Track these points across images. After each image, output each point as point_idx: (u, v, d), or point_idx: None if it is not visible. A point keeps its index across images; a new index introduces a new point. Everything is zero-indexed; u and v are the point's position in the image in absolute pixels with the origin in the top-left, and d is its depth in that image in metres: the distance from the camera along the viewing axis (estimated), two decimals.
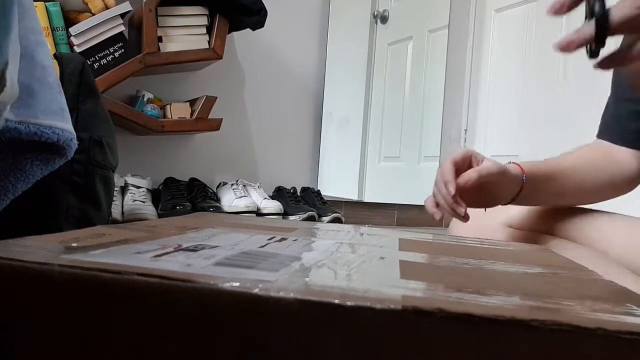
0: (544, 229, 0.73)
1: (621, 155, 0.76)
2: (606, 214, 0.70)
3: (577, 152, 0.79)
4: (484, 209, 0.74)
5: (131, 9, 1.67)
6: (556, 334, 0.23)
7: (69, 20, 1.58)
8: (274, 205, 1.86)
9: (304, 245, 0.42)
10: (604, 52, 0.49)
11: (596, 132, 0.80)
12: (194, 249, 0.34)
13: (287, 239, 0.44)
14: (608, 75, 0.74)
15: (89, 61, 1.58)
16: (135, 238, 0.38)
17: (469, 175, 0.67)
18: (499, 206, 0.74)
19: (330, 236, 0.50)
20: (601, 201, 0.76)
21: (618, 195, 0.76)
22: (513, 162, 0.74)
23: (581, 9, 0.49)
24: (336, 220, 1.99)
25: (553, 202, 0.76)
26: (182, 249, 0.34)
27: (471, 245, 0.57)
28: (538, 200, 0.74)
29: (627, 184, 0.77)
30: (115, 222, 1.51)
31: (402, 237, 0.58)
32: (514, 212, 0.80)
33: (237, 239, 0.42)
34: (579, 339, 0.23)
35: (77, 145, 0.65)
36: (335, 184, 2.45)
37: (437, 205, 0.70)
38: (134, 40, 1.78)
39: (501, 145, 2.43)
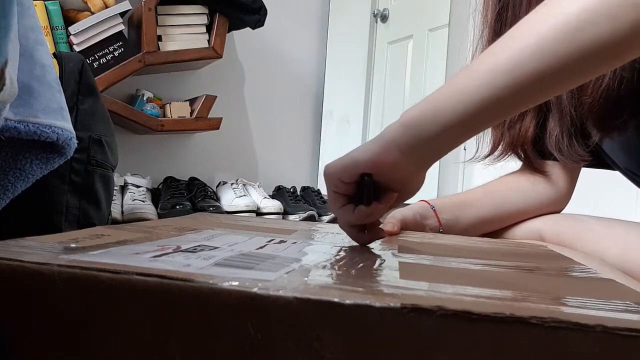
0: (538, 237, 0.73)
1: (551, 172, 0.76)
2: (601, 219, 0.70)
3: (497, 179, 0.80)
4: None
5: (131, 7, 1.67)
6: (555, 331, 0.23)
7: (69, 19, 1.58)
8: (274, 205, 1.86)
9: (303, 247, 0.42)
10: None
11: None
12: (193, 250, 0.34)
13: (286, 241, 0.44)
14: None
15: (89, 60, 1.58)
16: (134, 239, 0.38)
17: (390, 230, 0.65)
18: None
19: (329, 239, 0.50)
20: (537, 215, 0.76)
21: (553, 210, 0.77)
22: (420, 200, 0.74)
23: None
24: (336, 220, 1.98)
25: (484, 228, 0.76)
26: (181, 250, 0.34)
27: (471, 244, 0.57)
28: (466, 227, 0.74)
29: (558, 199, 0.77)
30: (115, 221, 1.51)
31: (402, 238, 0.58)
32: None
33: (236, 240, 0.42)
34: (578, 336, 0.23)
35: (76, 145, 0.65)
36: None
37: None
38: (134, 39, 1.78)
39: None
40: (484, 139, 0.77)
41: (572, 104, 0.67)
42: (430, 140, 0.44)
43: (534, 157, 0.76)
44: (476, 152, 0.78)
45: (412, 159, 0.45)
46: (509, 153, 0.76)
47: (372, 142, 0.47)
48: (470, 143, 0.80)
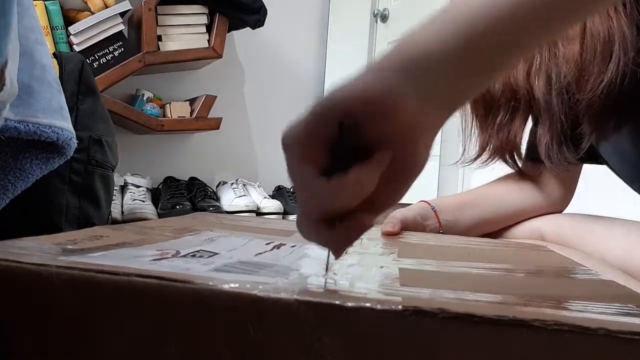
0: (539, 236, 0.73)
1: (550, 173, 0.76)
2: (602, 219, 0.70)
3: (497, 179, 0.80)
4: None
5: (131, 7, 1.67)
6: (557, 334, 0.23)
7: (69, 19, 1.58)
8: (274, 205, 1.86)
9: (302, 251, 0.42)
10: None
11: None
12: (192, 255, 0.34)
13: (285, 244, 0.44)
14: None
15: (89, 60, 1.58)
16: (133, 241, 0.38)
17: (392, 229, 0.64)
18: None
19: None
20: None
21: (553, 211, 0.77)
22: (420, 201, 0.74)
23: None
24: None
25: (484, 229, 0.77)
26: (181, 256, 0.34)
27: (472, 246, 0.57)
28: (466, 228, 0.75)
29: (557, 200, 0.77)
30: (114, 221, 1.51)
31: (402, 242, 0.57)
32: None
33: (235, 244, 0.42)
34: (581, 339, 0.23)
35: (76, 145, 0.65)
36: None
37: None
38: (134, 39, 1.78)
39: None
40: (471, 140, 0.76)
41: (563, 109, 0.66)
42: (440, 56, 0.29)
43: (523, 162, 0.76)
44: (462, 154, 0.77)
45: (416, 89, 0.29)
46: (496, 157, 0.75)
47: (355, 75, 0.32)
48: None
